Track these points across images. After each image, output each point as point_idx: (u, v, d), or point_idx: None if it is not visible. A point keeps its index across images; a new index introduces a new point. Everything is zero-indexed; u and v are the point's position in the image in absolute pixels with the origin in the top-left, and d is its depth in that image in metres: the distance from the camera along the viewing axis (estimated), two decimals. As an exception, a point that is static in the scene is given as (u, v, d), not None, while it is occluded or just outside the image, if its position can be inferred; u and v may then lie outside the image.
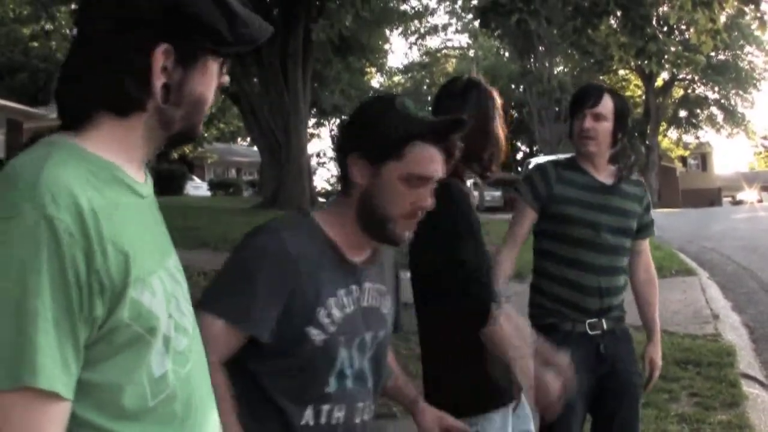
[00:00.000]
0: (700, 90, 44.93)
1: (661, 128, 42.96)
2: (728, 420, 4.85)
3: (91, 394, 1.10)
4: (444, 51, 49.23)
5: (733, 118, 45.40)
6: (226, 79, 1.34)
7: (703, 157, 54.84)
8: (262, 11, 15.80)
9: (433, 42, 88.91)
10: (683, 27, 29.77)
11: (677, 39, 28.52)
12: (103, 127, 1.20)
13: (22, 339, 1.02)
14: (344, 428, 1.81)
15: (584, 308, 2.99)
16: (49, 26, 26.29)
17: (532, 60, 36.73)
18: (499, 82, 41.68)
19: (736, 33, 36.59)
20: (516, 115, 43.73)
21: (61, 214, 1.06)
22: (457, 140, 1.88)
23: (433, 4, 53.42)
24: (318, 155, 51.63)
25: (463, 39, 54.29)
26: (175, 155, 35.89)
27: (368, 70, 36.08)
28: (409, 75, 50.70)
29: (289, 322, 1.73)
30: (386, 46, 35.68)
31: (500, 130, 2.63)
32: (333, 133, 45.55)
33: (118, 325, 1.12)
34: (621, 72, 39.24)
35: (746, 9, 13.11)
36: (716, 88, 44.04)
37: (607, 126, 3.02)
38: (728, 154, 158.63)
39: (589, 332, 3.00)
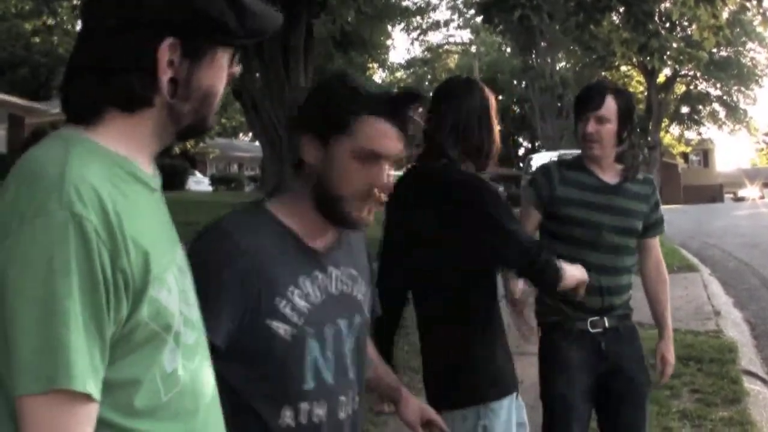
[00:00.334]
0: (702, 86, 44.80)
1: (663, 124, 42.88)
2: (729, 416, 4.85)
3: (106, 392, 1.08)
4: (446, 47, 49.13)
5: (735, 114, 45.31)
6: (238, 69, 1.31)
7: (704, 154, 54.78)
8: (264, 7, 15.74)
9: (435, 37, 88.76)
10: (686, 23, 29.67)
11: (680, 35, 28.46)
12: (111, 123, 1.18)
13: (54, 341, 1.00)
14: (329, 425, 1.72)
15: (585, 307, 2.99)
16: (50, 21, 26.25)
17: (534, 56, 36.68)
18: (501, 78, 41.70)
19: (738, 29, 36.46)
20: (518, 110, 43.74)
21: (88, 213, 1.04)
22: (416, 117, 1.80)
23: (435, 0, 53.44)
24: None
25: (465, 35, 54.49)
26: (176, 150, 35.86)
27: (370, 65, 36.01)
28: (411, 70, 50.60)
29: (253, 321, 1.64)
30: (388, 42, 35.63)
31: (496, 125, 2.68)
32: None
33: (137, 324, 1.11)
34: (623, 68, 39.13)
35: (748, 5, 13.10)
36: (718, 85, 43.92)
37: (610, 128, 3.01)
38: (730, 150, 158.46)
39: (591, 330, 3.00)
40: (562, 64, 40.77)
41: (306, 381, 1.68)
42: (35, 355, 1.00)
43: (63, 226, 1.03)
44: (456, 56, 48.85)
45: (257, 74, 20.32)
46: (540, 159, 19.75)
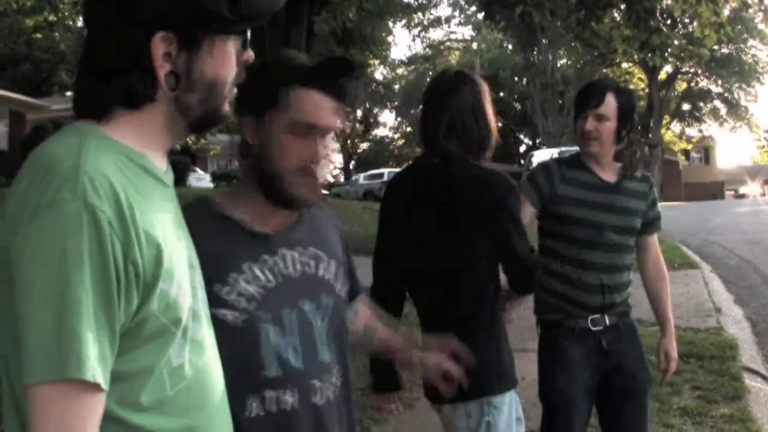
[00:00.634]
0: (703, 83, 44.80)
1: (664, 122, 42.87)
2: (730, 413, 4.85)
3: (113, 385, 1.08)
4: (447, 43, 49.11)
5: (736, 111, 45.30)
6: (250, 54, 1.29)
7: (705, 151, 54.71)
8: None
9: (436, 34, 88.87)
10: (687, 20, 29.69)
11: (681, 32, 28.47)
12: (121, 119, 1.19)
13: (66, 330, 1.00)
14: (304, 412, 1.65)
15: (586, 305, 3.00)
16: (52, 17, 26.21)
17: (535, 52, 36.69)
18: (503, 74, 41.67)
19: (739, 26, 36.44)
20: (519, 107, 43.71)
21: (102, 203, 1.05)
22: (352, 88, 1.74)
23: (436, -3, 53.32)
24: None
25: (467, 31, 54.37)
26: (177, 147, 35.88)
27: (371, 62, 36.01)
28: (413, 67, 50.61)
29: None
30: (389, 39, 35.65)
31: (492, 117, 2.67)
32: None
33: (147, 317, 1.11)
34: (624, 65, 39.06)
35: (750, 2, 13.09)
36: (719, 82, 43.90)
37: (609, 126, 3.01)
38: (731, 147, 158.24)
39: (591, 328, 3.01)
40: (564, 61, 40.79)
41: (267, 368, 1.63)
42: (46, 344, 1.00)
43: (76, 216, 1.03)
44: (457, 53, 48.82)
45: (258, 71, 20.26)
46: (541, 156, 19.76)
